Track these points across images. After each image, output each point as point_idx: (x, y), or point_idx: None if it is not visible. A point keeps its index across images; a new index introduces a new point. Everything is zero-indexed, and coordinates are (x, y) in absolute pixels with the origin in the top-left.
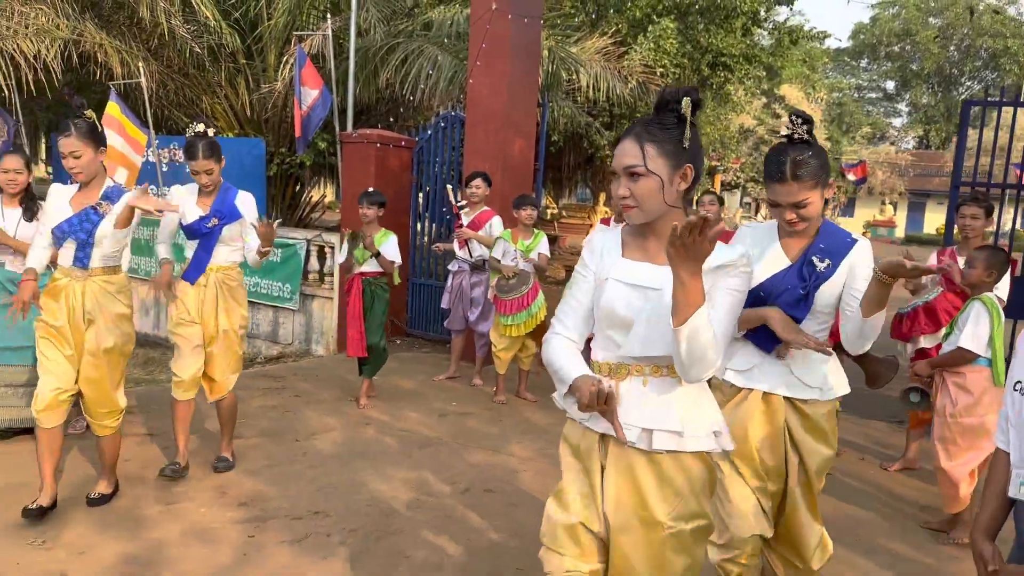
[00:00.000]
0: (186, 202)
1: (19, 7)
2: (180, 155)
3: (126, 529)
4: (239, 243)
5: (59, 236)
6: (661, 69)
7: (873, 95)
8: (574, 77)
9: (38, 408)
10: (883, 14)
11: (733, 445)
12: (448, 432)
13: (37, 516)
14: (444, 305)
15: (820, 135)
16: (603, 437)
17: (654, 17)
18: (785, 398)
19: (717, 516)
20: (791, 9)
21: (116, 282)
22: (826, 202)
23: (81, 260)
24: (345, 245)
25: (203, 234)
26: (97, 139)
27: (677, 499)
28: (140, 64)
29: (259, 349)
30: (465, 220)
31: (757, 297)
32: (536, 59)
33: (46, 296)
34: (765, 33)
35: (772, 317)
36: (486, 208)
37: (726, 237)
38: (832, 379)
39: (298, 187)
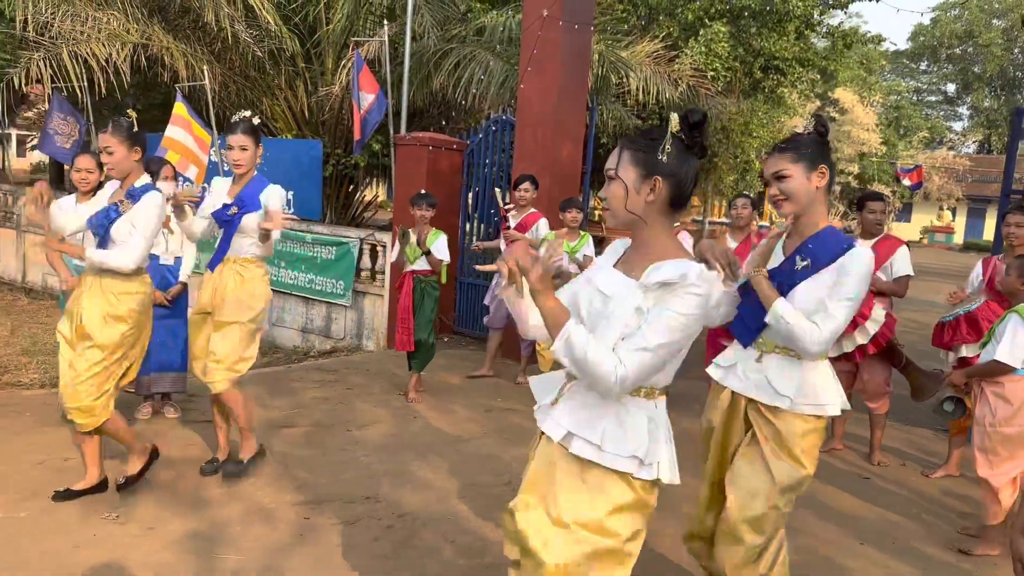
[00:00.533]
0: (219, 191)
1: (93, 12)
2: None
3: (191, 508)
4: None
5: (89, 229)
6: (712, 73)
7: (932, 98)
8: (624, 80)
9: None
10: (944, 16)
11: (665, 478)
12: (492, 427)
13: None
14: (487, 302)
15: (875, 138)
16: (542, 432)
17: (706, 21)
18: (755, 404)
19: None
20: (845, 12)
21: (116, 283)
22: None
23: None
24: (397, 244)
25: (224, 222)
26: (132, 139)
27: (586, 507)
28: (204, 67)
29: (313, 344)
30: (512, 222)
31: (746, 293)
32: (586, 64)
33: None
34: (819, 37)
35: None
36: (533, 210)
37: (754, 238)
38: (816, 394)
39: (352, 187)
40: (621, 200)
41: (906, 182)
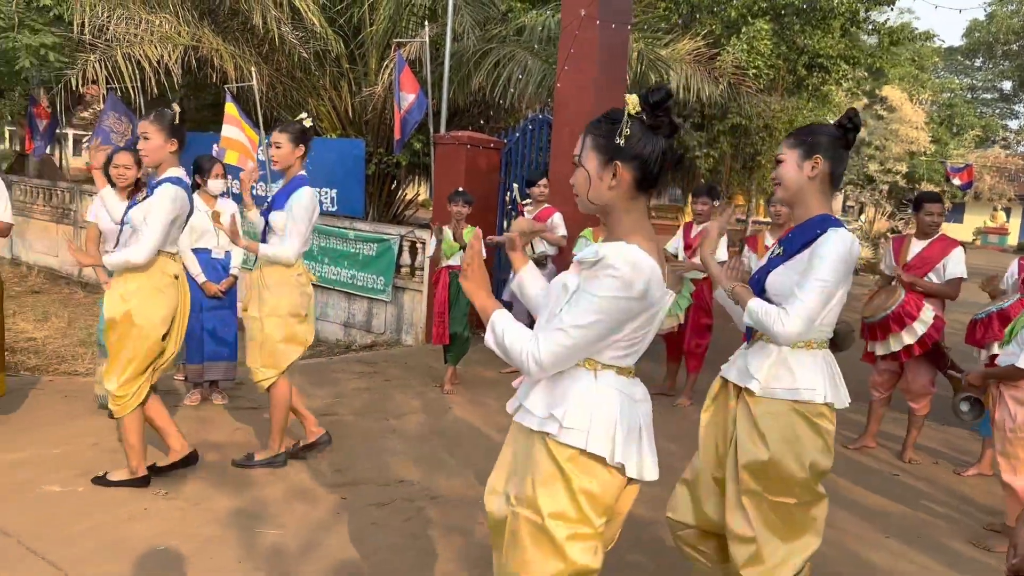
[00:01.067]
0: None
1: (146, 16)
2: None
3: (235, 487)
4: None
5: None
6: (754, 70)
7: (988, 96)
8: (664, 78)
9: None
10: (1000, 11)
11: (595, 449)
12: None
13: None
14: (506, 297)
15: (924, 137)
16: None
17: (748, 18)
18: (738, 387)
19: None
20: (891, 8)
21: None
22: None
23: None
24: (434, 239)
25: (265, 221)
26: (171, 130)
27: (519, 478)
28: (252, 68)
29: (354, 338)
30: (528, 216)
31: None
32: (623, 63)
33: None
34: (866, 34)
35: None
36: (547, 205)
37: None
38: (793, 379)
39: (394, 185)
40: (584, 188)
41: (956, 181)
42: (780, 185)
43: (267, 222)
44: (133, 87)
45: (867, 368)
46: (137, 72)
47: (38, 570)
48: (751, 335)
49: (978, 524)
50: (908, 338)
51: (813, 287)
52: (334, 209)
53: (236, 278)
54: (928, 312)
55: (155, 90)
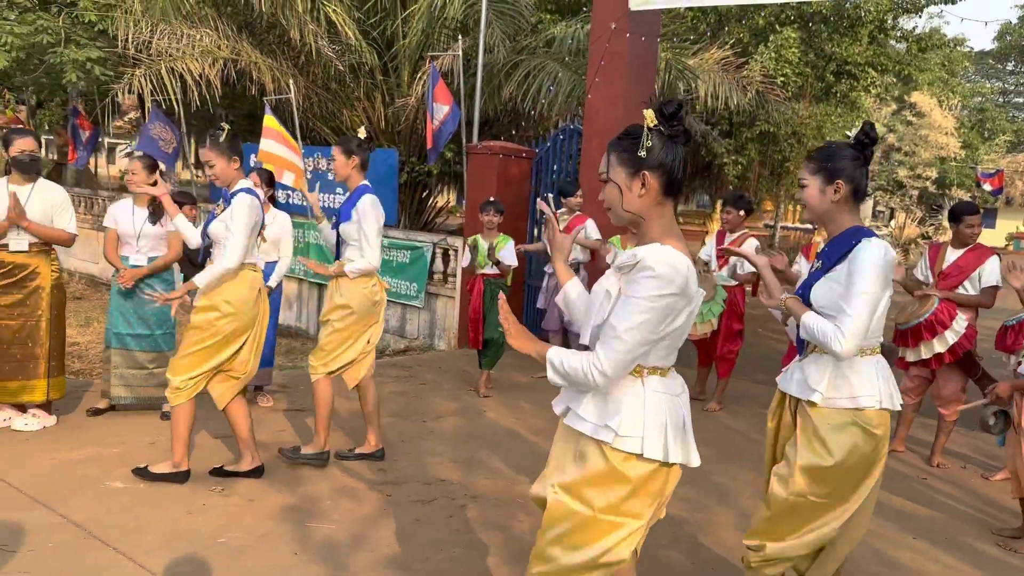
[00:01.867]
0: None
1: (187, 31)
2: (324, 164)
3: (286, 485)
4: (356, 244)
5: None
6: (782, 78)
7: (1020, 100)
8: (692, 86)
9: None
10: None
11: (650, 454)
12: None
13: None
14: (539, 305)
15: (954, 143)
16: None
17: (776, 27)
18: (799, 402)
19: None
20: (919, 16)
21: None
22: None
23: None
24: (467, 251)
25: (336, 233)
26: (230, 150)
27: (568, 470)
28: (290, 80)
29: (388, 343)
30: (560, 225)
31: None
32: (652, 74)
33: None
34: (895, 40)
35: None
36: (579, 213)
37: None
38: (851, 388)
39: (425, 193)
40: (618, 201)
41: (987, 187)
42: (806, 207)
43: (339, 234)
44: (176, 99)
45: (899, 373)
46: (179, 85)
47: (106, 558)
48: (803, 346)
49: (1004, 526)
50: (939, 346)
51: (859, 301)
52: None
53: (272, 289)
54: (961, 322)
55: (197, 103)
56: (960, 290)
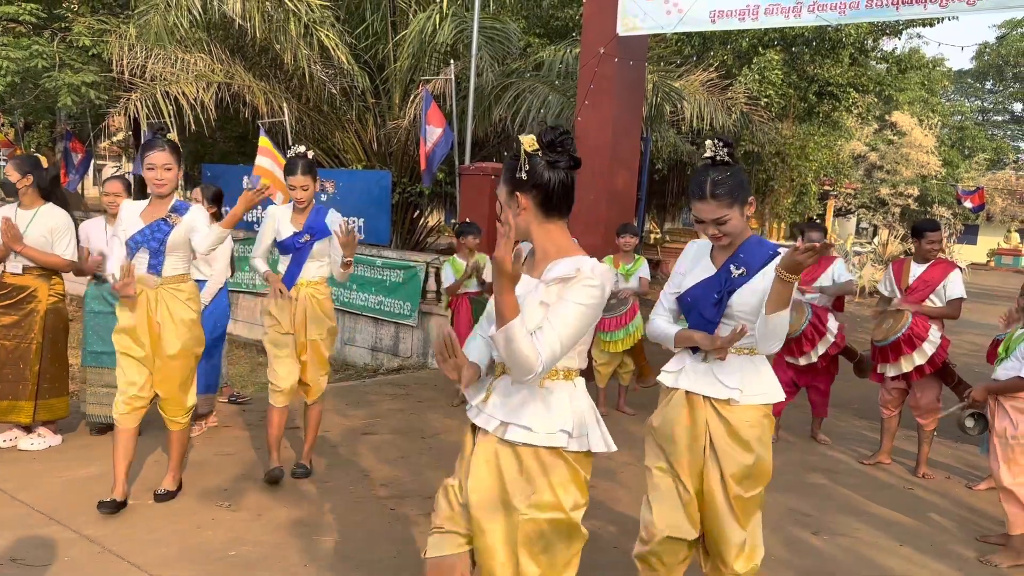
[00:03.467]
0: (281, 219)
1: (182, 55)
2: (319, 185)
3: (292, 500)
4: (327, 259)
5: (132, 247)
6: (766, 99)
7: (998, 118)
8: (678, 108)
9: (118, 411)
10: (1011, 34)
11: (603, 447)
12: None
13: (111, 510)
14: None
15: (935, 161)
16: (474, 428)
17: (760, 49)
18: (707, 399)
19: (643, 510)
20: (899, 38)
21: (185, 290)
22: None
23: (155, 268)
24: (450, 273)
25: (296, 249)
26: (180, 158)
27: (531, 489)
28: (283, 103)
29: (382, 362)
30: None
31: (685, 302)
32: (640, 97)
33: (122, 304)
34: (875, 61)
35: (695, 338)
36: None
37: (827, 261)
38: (761, 384)
39: (416, 213)
40: (510, 218)
41: (967, 204)
42: (728, 235)
43: (304, 250)
44: (171, 122)
45: (876, 387)
46: (174, 108)
47: (122, 570)
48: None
49: (989, 533)
50: (919, 359)
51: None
52: (362, 237)
53: (205, 306)
54: (935, 332)
55: (192, 125)
56: (927, 303)
